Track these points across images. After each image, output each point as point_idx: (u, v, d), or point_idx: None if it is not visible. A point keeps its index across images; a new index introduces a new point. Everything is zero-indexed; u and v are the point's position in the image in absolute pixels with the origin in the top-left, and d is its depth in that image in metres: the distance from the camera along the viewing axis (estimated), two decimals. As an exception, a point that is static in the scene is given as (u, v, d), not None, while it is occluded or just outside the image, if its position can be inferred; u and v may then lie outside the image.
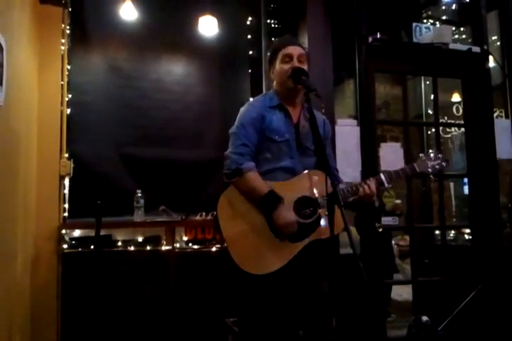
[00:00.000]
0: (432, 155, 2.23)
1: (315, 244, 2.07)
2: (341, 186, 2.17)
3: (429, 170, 2.20)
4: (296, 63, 2.14)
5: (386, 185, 2.14)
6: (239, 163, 2.05)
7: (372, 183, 2.11)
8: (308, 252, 2.05)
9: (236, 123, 2.17)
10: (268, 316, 2.02)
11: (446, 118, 4.68)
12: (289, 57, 2.16)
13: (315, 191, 2.06)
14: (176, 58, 3.74)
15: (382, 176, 2.16)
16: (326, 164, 2.01)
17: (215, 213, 2.09)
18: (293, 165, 2.12)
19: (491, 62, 3.84)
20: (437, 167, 2.21)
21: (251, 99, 2.27)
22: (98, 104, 3.46)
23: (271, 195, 2.00)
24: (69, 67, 3.30)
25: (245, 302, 2.11)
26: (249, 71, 3.86)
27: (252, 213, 2.04)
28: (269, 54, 2.30)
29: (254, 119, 2.13)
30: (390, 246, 4.64)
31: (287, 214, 2.01)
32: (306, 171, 2.13)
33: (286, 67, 2.14)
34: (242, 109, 2.22)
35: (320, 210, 2.05)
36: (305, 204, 2.07)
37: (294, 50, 2.18)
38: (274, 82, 2.26)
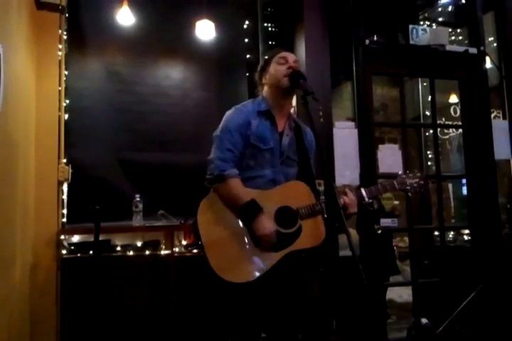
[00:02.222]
0: (411, 174, 2.26)
1: (298, 252, 2.05)
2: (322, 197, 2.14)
3: (408, 187, 2.23)
4: (292, 64, 2.15)
5: (366, 199, 2.14)
6: (222, 169, 2.03)
7: (350, 194, 2.10)
8: (290, 261, 2.03)
9: (221, 127, 2.14)
10: (245, 324, 2.02)
11: (443, 119, 4.69)
12: (284, 60, 2.17)
13: (296, 202, 2.05)
14: (174, 63, 3.75)
15: (363, 191, 2.15)
16: (310, 173, 2.04)
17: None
18: (274, 174, 2.12)
19: (488, 64, 3.85)
20: (415, 185, 2.24)
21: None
22: (96, 109, 3.47)
23: (251, 205, 1.98)
24: (66, 72, 3.29)
25: (223, 309, 2.10)
26: (247, 74, 3.87)
27: (232, 220, 2.02)
28: (262, 62, 2.31)
29: (241, 125, 2.11)
30: (391, 247, 4.64)
31: (266, 224, 1.98)
32: (288, 182, 2.12)
33: (282, 67, 2.15)
34: (228, 113, 2.19)
35: (300, 221, 2.04)
36: (285, 215, 2.05)
37: (289, 55, 2.20)
38: (265, 87, 2.24)
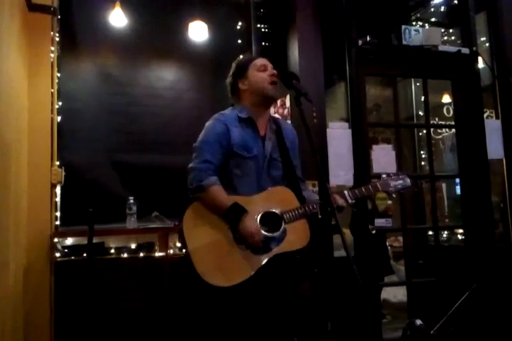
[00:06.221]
0: (393, 176, 2.29)
1: (287, 255, 2.07)
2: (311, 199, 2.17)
3: (391, 189, 2.26)
4: (274, 71, 2.18)
5: (349, 201, 2.15)
6: (199, 179, 2.06)
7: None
8: (277, 263, 2.04)
9: (200, 137, 2.17)
10: (236, 327, 2.02)
11: (437, 119, 4.71)
12: (264, 67, 2.19)
13: (280, 206, 2.08)
14: (167, 64, 3.74)
15: (346, 193, 2.17)
16: (294, 174, 2.12)
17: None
18: (260, 181, 2.14)
19: (481, 64, 3.87)
20: (399, 187, 2.27)
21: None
22: (89, 111, 3.45)
23: (235, 207, 2.01)
24: (59, 74, 3.28)
25: (212, 313, 2.11)
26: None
27: (218, 225, 2.04)
28: (238, 67, 2.26)
29: (219, 135, 2.13)
30: (385, 247, 4.64)
31: (252, 224, 2.02)
32: (270, 188, 2.13)
33: (265, 74, 2.16)
34: (207, 124, 2.20)
35: (285, 225, 2.06)
36: (270, 220, 2.07)
37: (266, 62, 2.22)
38: (245, 94, 2.23)
